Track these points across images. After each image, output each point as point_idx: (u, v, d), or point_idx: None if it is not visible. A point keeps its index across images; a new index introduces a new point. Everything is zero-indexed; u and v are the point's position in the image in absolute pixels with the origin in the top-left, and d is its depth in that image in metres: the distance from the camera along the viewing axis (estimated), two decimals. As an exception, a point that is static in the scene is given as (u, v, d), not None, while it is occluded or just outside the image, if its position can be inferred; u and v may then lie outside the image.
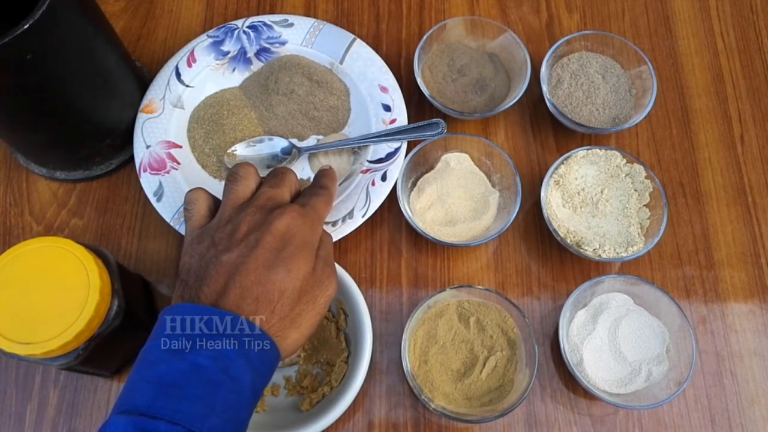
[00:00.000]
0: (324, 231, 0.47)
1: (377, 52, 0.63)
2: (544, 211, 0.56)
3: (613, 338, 0.52)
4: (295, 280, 0.41)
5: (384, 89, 0.61)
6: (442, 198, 0.57)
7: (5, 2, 0.48)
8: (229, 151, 0.60)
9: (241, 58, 0.63)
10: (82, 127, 0.55)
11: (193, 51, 0.62)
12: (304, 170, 0.61)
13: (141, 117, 0.59)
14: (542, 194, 0.57)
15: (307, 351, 0.52)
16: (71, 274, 0.43)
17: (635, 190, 0.58)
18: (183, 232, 0.54)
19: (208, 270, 0.41)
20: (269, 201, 0.45)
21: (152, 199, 0.56)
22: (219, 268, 0.41)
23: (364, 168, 0.58)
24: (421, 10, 0.70)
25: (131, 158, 0.59)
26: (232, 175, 0.47)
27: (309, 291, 0.42)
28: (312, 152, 0.61)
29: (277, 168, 0.49)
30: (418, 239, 0.59)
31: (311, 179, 0.60)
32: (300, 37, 0.63)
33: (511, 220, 0.54)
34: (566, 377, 0.54)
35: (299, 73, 0.62)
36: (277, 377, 0.52)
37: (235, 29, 0.63)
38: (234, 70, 0.63)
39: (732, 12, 0.70)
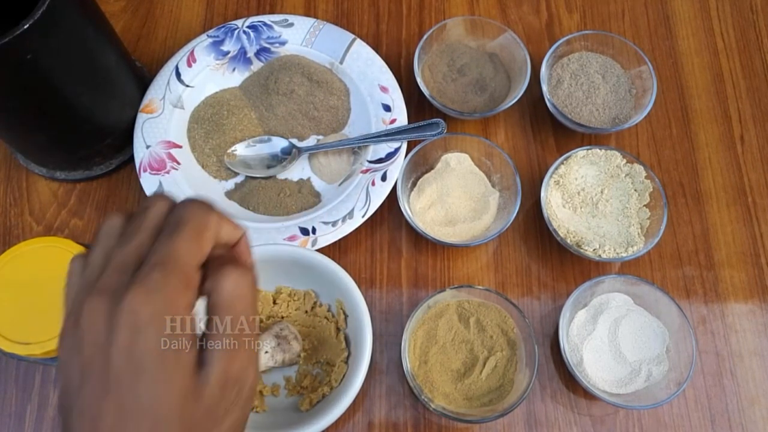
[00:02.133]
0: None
1: (377, 52, 0.63)
2: (544, 211, 0.56)
3: (613, 338, 0.52)
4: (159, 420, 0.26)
5: (384, 89, 0.61)
6: (442, 198, 0.57)
7: (5, 2, 0.48)
8: (229, 151, 0.60)
9: (241, 58, 0.63)
10: (82, 127, 0.55)
11: (193, 51, 0.62)
12: (304, 170, 0.61)
13: (141, 117, 0.59)
14: (542, 194, 0.57)
15: (307, 351, 0.52)
16: (71, 274, 0.43)
17: (635, 190, 0.58)
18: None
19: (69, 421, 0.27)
20: (117, 274, 0.28)
21: (152, 199, 0.56)
22: (80, 420, 0.27)
23: (364, 168, 0.58)
24: (421, 10, 0.70)
25: (131, 158, 0.59)
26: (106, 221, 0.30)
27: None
28: (312, 152, 0.61)
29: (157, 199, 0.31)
30: (418, 239, 0.59)
31: (311, 179, 0.61)
32: (300, 37, 0.63)
33: (511, 220, 0.54)
34: (566, 377, 0.54)
35: (299, 73, 0.62)
36: (277, 377, 0.52)
37: (235, 29, 0.63)
38: (234, 70, 0.63)
39: (732, 12, 0.70)
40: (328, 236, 0.54)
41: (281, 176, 0.61)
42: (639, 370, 0.51)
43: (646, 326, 0.53)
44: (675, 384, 0.50)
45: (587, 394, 0.53)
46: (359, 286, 0.51)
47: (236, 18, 0.66)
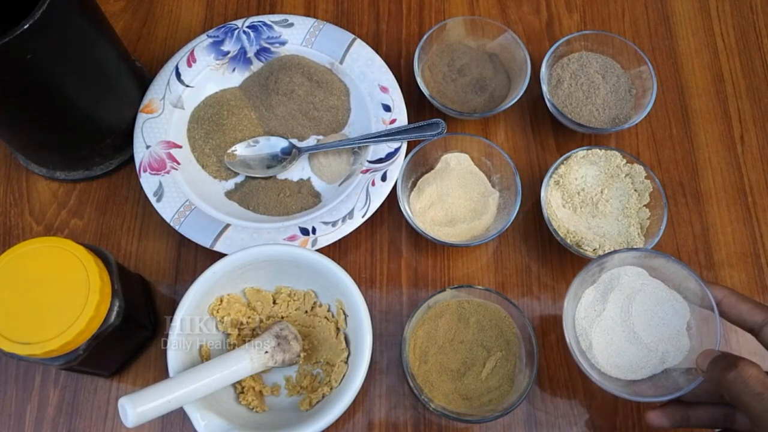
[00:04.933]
0: None
1: (377, 52, 0.63)
2: (544, 211, 0.56)
3: (626, 318, 0.48)
4: None
5: (384, 89, 0.61)
6: (442, 198, 0.57)
7: (5, 2, 0.48)
8: (229, 151, 0.60)
9: (241, 58, 0.63)
10: (82, 127, 0.55)
11: (193, 51, 0.62)
12: (304, 170, 0.61)
13: (141, 117, 0.59)
14: (542, 194, 0.57)
15: (307, 351, 0.52)
16: (71, 274, 0.43)
17: (635, 190, 0.58)
18: (183, 232, 0.54)
19: None
20: None
21: (152, 199, 0.56)
22: None
23: (364, 168, 0.58)
24: (421, 10, 0.70)
25: (131, 158, 0.59)
26: None
27: None
28: (312, 152, 0.61)
29: None
30: (418, 239, 0.59)
31: (311, 179, 0.61)
32: (300, 37, 0.63)
33: (511, 220, 0.54)
34: (567, 377, 0.54)
35: (299, 73, 0.62)
36: (277, 377, 0.53)
37: (235, 29, 0.63)
38: (234, 70, 0.63)
39: (732, 12, 0.70)
40: (328, 236, 0.54)
41: (281, 176, 0.61)
42: (656, 351, 0.47)
43: (664, 301, 0.47)
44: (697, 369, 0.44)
45: (587, 394, 0.53)
46: (359, 286, 0.51)
47: (236, 18, 0.66)
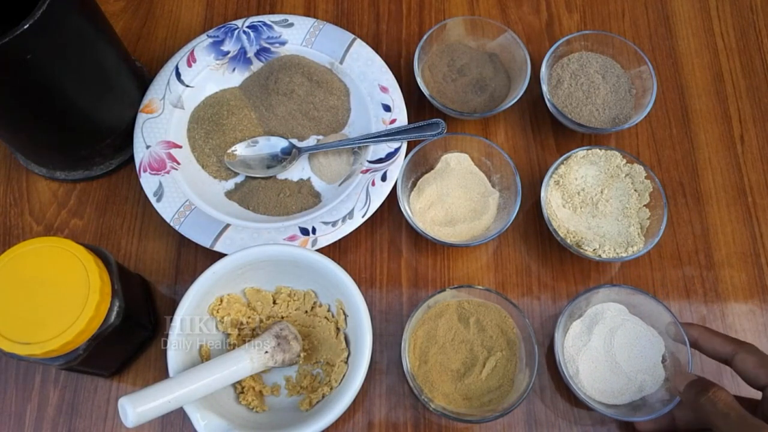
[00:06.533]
0: None
1: (377, 52, 0.63)
2: (544, 211, 0.56)
3: (608, 349, 0.52)
4: None
5: (384, 89, 0.61)
6: (442, 198, 0.57)
7: (5, 2, 0.48)
8: (229, 151, 0.60)
9: (241, 58, 0.63)
10: (82, 127, 0.55)
11: (193, 51, 0.62)
12: (304, 170, 0.61)
13: (141, 117, 0.59)
14: (542, 194, 0.57)
15: (307, 351, 0.52)
16: (71, 274, 0.43)
17: (635, 190, 0.58)
18: (183, 232, 0.54)
19: None
20: None
21: (152, 199, 0.56)
22: None
23: (364, 168, 0.58)
24: (421, 10, 0.70)
25: (131, 158, 0.59)
26: None
27: None
28: (312, 152, 0.61)
29: None
30: (418, 239, 0.59)
31: (311, 179, 0.61)
32: (300, 37, 0.63)
33: (511, 220, 0.54)
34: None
35: (299, 73, 0.62)
36: (277, 377, 0.53)
37: (235, 29, 0.63)
38: (234, 70, 0.63)
39: (732, 12, 0.70)
40: (328, 236, 0.55)
41: (281, 176, 0.61)
42: (635, 380, 0.51)
43: (642, 336, 0.52)
44: (672, 394, 0.49)
45: (587, 394, 0.53)
46: (359, 286, 0.51)
47: (236, 18, 0.66)
